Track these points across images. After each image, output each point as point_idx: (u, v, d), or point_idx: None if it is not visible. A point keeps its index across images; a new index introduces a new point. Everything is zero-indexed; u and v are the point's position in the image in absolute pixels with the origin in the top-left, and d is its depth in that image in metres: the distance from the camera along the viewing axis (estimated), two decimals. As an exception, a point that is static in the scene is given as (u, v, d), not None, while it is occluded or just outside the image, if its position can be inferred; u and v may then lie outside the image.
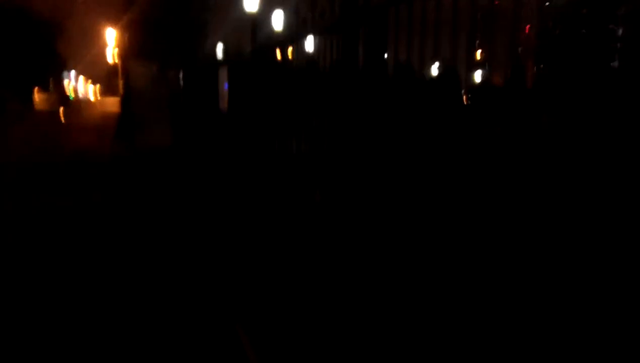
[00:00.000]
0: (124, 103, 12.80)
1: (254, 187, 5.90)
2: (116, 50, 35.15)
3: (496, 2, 4.53)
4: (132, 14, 13.10)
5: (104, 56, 47.18)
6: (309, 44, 5.01)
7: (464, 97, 7.16)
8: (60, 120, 26.41)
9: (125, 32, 12.90)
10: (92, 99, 60.74)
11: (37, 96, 44.80)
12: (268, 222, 5.29)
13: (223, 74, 6.93)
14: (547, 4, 4.28)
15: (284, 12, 9.60)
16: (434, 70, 6.61)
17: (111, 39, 32.51)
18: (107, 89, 63.27)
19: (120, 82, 14.73)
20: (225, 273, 4.21)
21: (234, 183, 6.50)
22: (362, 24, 4.53)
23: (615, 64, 3.46)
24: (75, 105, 42.15)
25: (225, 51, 9.28)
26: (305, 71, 5.21)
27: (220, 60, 8.40)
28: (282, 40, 6.28)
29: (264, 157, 5.86)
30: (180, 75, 9.81)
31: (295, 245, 4.61)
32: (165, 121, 10.05)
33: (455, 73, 6.88)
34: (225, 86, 6.83)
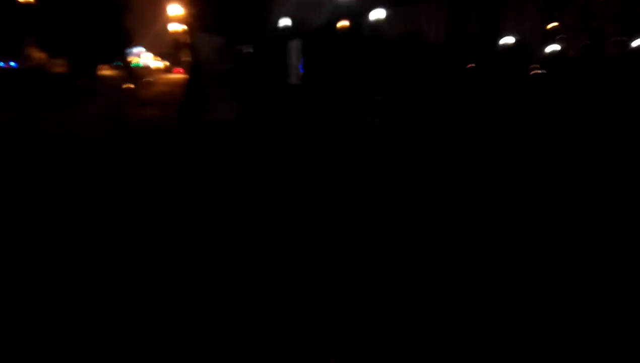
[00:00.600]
0: (190, 77, 12.84)
1: (332, 165, 5.69)
2: (182, 25, 35.50)
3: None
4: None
5: (170, 31, 47.86)
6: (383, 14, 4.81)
7: (536, 70, 6.88)
8: (128, 95, 26.93)
9: (192, 5, 12.88)
10: (159, 74, 61.69)
11: (106, 72, 45.72)
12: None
13: (296, 47, 6.75)
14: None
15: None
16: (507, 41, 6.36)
17: (177, 14, 32.88)
18: (174, 64, 64.23)
19: (187, 57, 14.81)
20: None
21: (307, 159, 6.31)
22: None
23: None
24: (143, 81, 42.98)
25: (294, 23, 9.10)
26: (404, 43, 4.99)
27: (290, 33, 8.25)
28: (359, 10, 6.05)
29: (342, 133, 5.65)
30: (249, 49, 9.78)
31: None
32: (231, 95, 10.07)
33: (526, 46, 6.63)
34: (297, 59, 6.64)
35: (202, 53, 10.96)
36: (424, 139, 5.37)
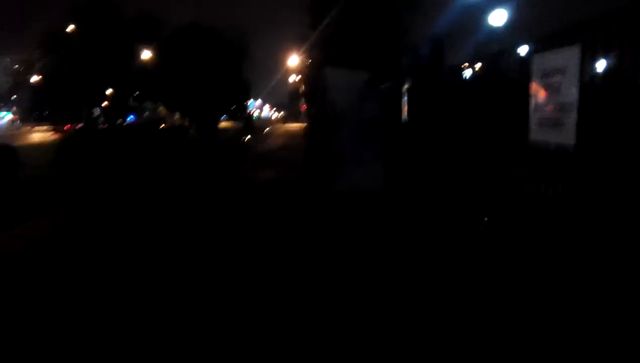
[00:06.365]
0: (313, 127, 9.77)
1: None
2: (300, 75, 34.20)
3: None
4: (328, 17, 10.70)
5: (288, 81, 47.24)
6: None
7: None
8: (244, 148, 25.43)
9: (320, 38, 10.37)
10: (277, 124, 61.61)
11: (224, 124, 46.07)
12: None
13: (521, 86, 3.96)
14: None
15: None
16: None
17: (295, 65, 31.50)
18: (292, 115, 63.87)
19: (305, 105, 12.62)
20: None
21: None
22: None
23: None
24: (261, 132, 42.33)
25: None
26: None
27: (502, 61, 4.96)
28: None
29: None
30: (404, 89, 6.63)
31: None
32: (375, 154, 7.07)
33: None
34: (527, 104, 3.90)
35: (334, 94, 7.65)
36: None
